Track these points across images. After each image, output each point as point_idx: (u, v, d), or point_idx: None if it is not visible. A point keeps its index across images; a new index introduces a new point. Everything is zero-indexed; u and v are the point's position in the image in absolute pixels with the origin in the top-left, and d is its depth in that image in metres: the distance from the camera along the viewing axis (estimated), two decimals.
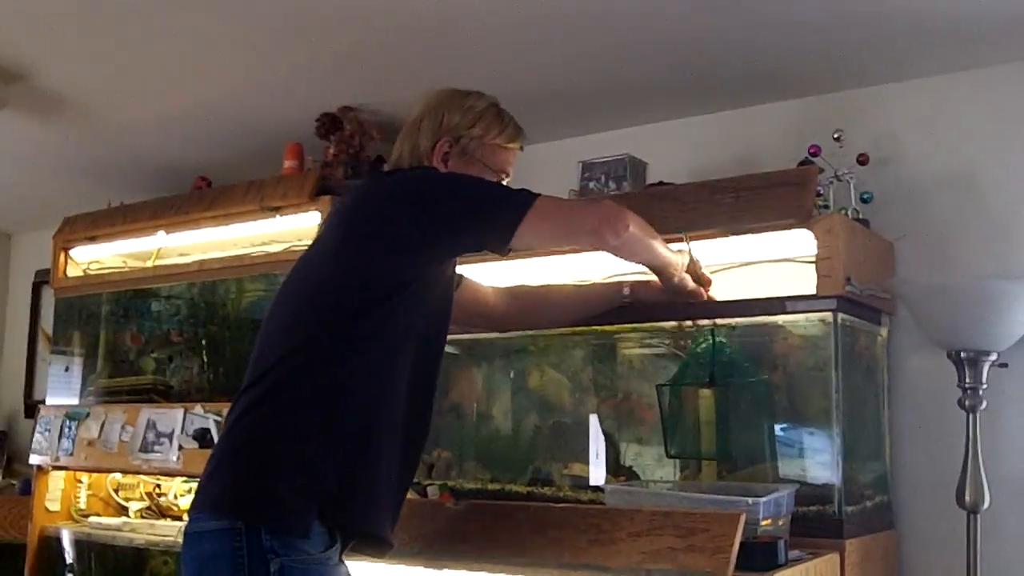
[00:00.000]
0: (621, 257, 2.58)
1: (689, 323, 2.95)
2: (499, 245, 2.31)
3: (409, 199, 2.26)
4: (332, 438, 2.13)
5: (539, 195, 2.30)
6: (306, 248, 2.44)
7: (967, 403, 2.74)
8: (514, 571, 2.60)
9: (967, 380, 2.74)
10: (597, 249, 2.57)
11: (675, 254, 2.69)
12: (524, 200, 2.28)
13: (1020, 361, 2.86)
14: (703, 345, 2.96)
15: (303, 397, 2.15)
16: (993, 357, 2.73)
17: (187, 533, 2.17)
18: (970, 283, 2.80)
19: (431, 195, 2.28)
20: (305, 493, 2.07)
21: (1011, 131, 3.04)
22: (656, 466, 3.18)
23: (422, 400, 2.33)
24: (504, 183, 2.48)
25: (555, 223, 2.37)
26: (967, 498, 2.72)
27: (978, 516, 2.72)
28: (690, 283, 2.76)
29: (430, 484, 3.07)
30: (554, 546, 2.50)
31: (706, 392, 2.95)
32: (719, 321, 2.90)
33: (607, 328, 3.12)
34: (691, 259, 2.77)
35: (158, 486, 4.25)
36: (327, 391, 2.16)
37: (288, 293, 2.32)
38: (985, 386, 2.74)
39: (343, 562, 2.22)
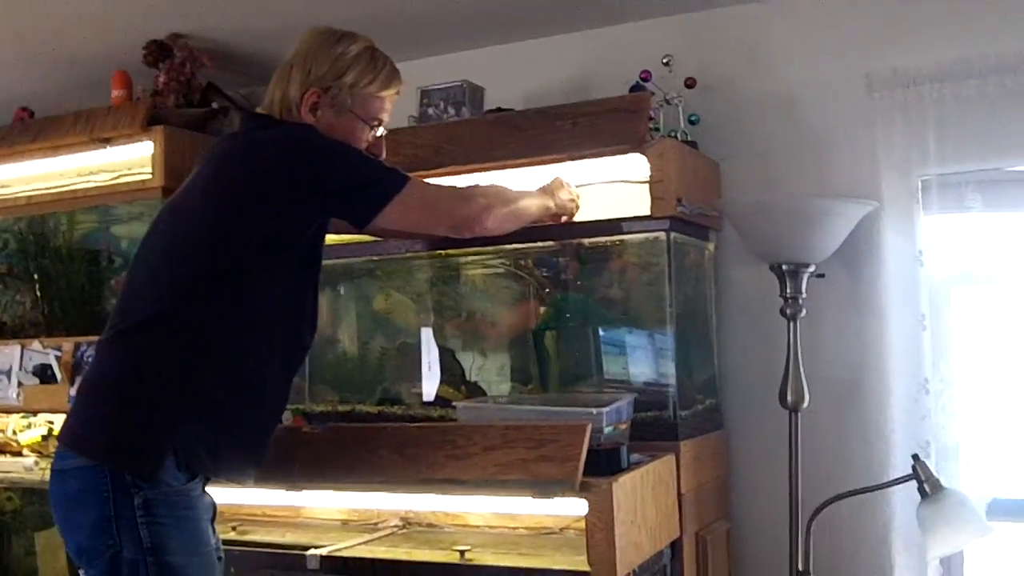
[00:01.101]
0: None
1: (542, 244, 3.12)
2: (359, 223, 2.36)
3: (282, 163, 2.25)
4: (190, 391, 2.17)
5: (408, 181, 2.34)
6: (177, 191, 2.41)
7: (788, 311, 2.94)
8: (374, 490, 2.72)
9: (788, 291, 2.93)
10: None
11: (541, 197, 2.78)
12: (393, 185, 2.32)
13: (836, 272, 3.08)
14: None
15: (167, 348, 2.17)
16: (811, 269, 2.93)
17: (53, 470, 2.20)
18: (789, 200, 2.98)
19: (305, 163, 2.25)
20: (158, 441, 2.12)
21: (825, 56, 3.21)
22: (500, 381, 3.33)
23: (293, 352, 2.38)
24: (380, 132, 2.49)
25: (417, 213, 2.41)
26: (789, 398, 2.93)
27: (799, 415, 2.94)
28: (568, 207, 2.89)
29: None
30: (412, 463, 2.60)
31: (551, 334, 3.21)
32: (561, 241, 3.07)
33: (451, 252, 3.22)
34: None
35: None
36: (190, 345, 2.18)
37: (158, 241, 2.32)
38: (804, 296, 2.94)
39: (206, 492, 2.28)
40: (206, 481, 2.28)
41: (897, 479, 2.83)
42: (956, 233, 3.07)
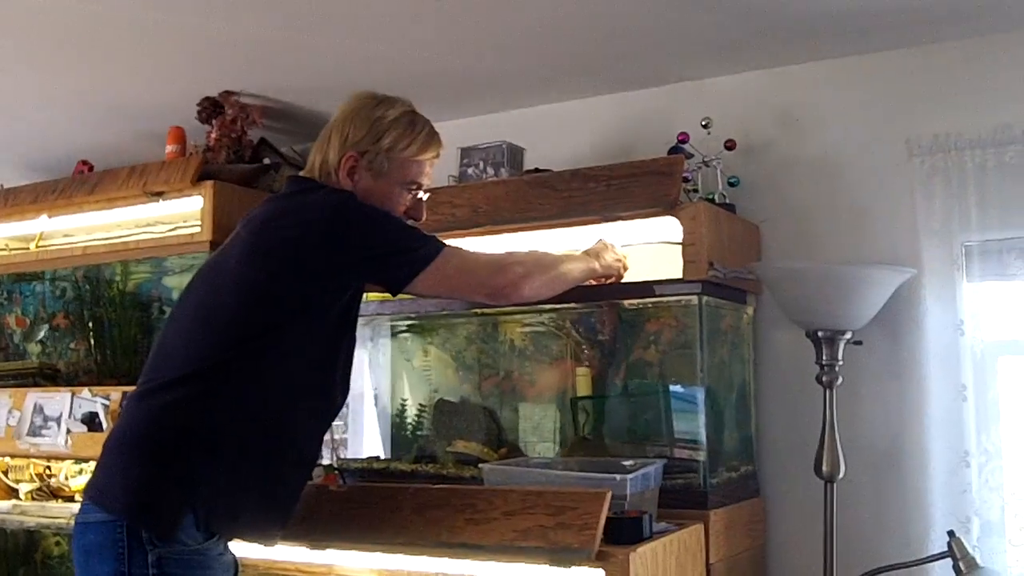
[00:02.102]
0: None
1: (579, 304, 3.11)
2: (393, 289, 2.37)
3: (320, 229, 2.25)
4: (215, 451, 2.18)
5: (444, 248, 2.33)
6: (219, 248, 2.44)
7: (824, 379, 2.88)
8: (394, 551, 2.69)
9: (824, 357, 2.88)
10: None
11: (585, 260, 2.73)
12: (428, 253, 2.31)
13: (875, 339, 3.02)
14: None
15: (194, 408, 2.19)
16: (848, 336, 2.87)
17: (76, 522, 2.23)
18: (826, 268, 2.93)
19: (341, 230, 2.25)
20: (178, 498, 2.13)
21: (870, 121, 3.17)
22: (537, 441, 3.30)
23: (323, 414, 2.40)
24: (420, 195, 2.48)
25: (453, 282, 2.39)
26: (824, 468, 2.87)
27: (834, 485, 2.87)
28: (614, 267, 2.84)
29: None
30: (433, 526, 2.60)
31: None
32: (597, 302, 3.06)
33: (488, 311, 3.22)
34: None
35: (48, 467, 4.23)
36: (218, 405, 2.20)
37: (193, 300, 2.35)
38: (841, 363, 2.88)
39: (227, 550, 2.29)
40: (228, 540, 2.29)
41: (932, 556, 2.75)
42: (1001, 301, 2.98)
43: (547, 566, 2.46)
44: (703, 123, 3.14)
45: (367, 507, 2.74)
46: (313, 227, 2.26)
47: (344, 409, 3.56)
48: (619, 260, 2.86)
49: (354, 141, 2.39)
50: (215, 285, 2.32)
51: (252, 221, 2.38)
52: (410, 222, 2.47)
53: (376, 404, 3.60)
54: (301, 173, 2.52)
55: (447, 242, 2.41)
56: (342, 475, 3.25)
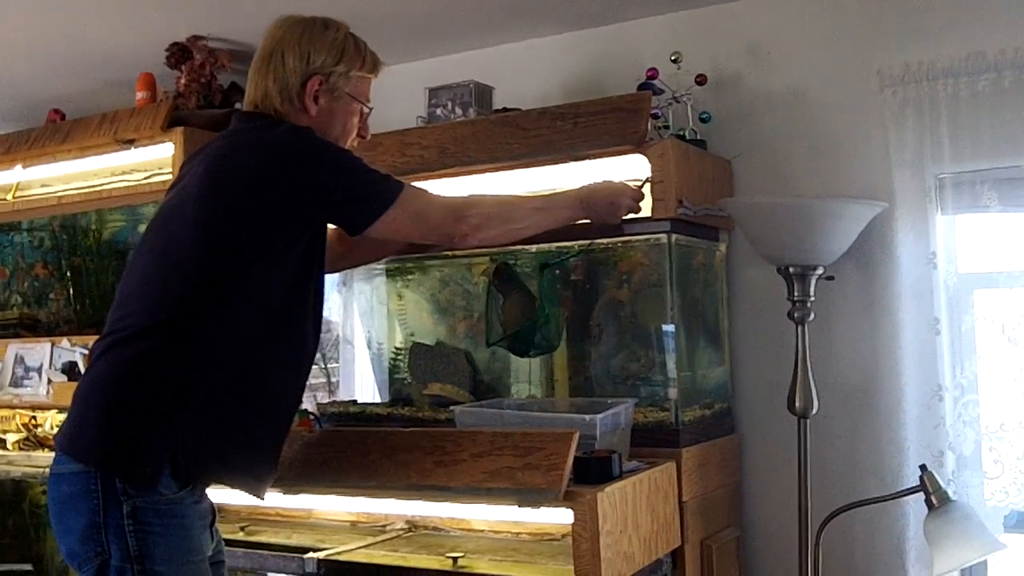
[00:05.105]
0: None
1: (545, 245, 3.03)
2: (352, 231, 2.34)
3: (278, 169, 2.21)
4: (190, 398, 2.15)
5: (402, 191, 2.30)
6: (171, 191, 2.37)
7: (796, 315, 2.86)
8: (365, 494, 2.73)
9: (796, 293, 2.85)
10: None
11: (567, 210, 2.57)
12: (388, 197, 2.28)
13: (848, 274, 3.00)
14: None
15: (166, 356, 2.16)
16: (820, 271, 2.84)
17: (50, 473, 2.20)
18: (795, 202, 2.89)
19: (300, 171, 2.22)
20: (156, 447, 2.11)
21: (840, 52, 3.11)
22: (514, 383, 3.30)
23: (298, 357, 2.36)
24: (366, 111, 2.47)
25: (410, 226, 2.37)
26: (797, 404, 2.85)
27: (807, 421, 2.86)
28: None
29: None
30: (402, 469, 2.60)
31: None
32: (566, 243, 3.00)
33: (459, 253, 3.20)
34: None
35: (34, 417, 4.24)
36: (190, 353, 2.17)
37: (151, 244, 2.30)
38: (813, 299, 2.85)
39: (204, 498, 2.27)
40: (205, 487, 2.26)
41: (904, 490, 2.75)
42: (975, 233, 2.94)
43: (516, 507, 2.47)
44: (672, 58, 3.09)
45: (338, 451, 2.75)
46: (271, 167, 2.21)
47: (337, 351, 3.60)
48: (614, 215, 2.60)
49: (316, 65, 2.35)
50: (172, 229, 2.27)
51: (204, 159, 2.32)
52: (357, 141, 2.47)
53: (369, 348, 3.60)
54: (248, 105, 2.42)
55: (413, 184, 2.37)
56: (318, 420, 3.25)
